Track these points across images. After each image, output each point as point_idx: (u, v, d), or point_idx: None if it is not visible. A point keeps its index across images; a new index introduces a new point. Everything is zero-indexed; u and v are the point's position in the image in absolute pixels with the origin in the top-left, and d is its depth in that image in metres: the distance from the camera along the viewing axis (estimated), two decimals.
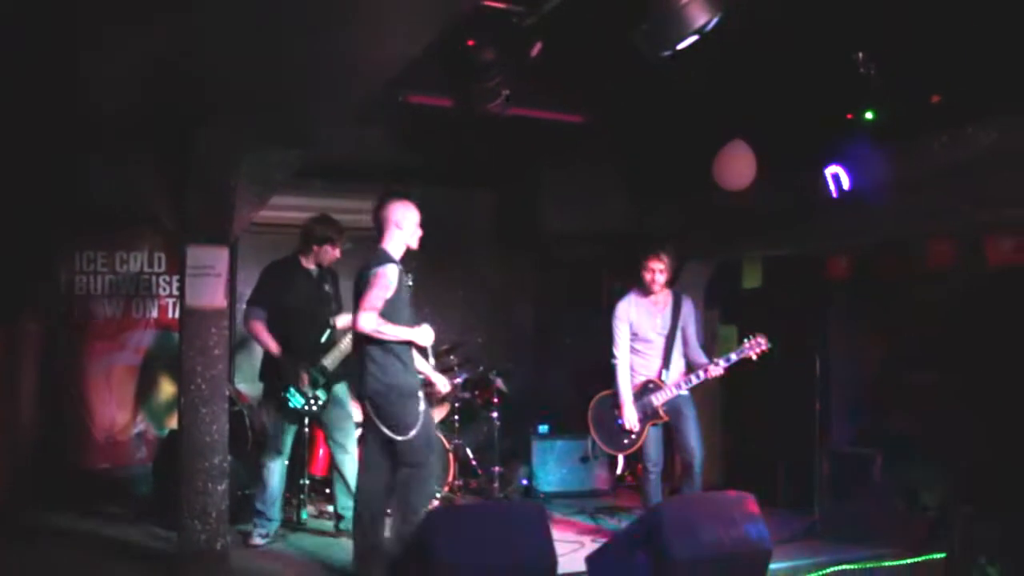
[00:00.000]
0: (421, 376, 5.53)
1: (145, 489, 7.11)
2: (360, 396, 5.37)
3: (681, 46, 4.40)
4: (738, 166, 6.36)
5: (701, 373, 6.22)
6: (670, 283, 6.49)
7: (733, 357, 6.19)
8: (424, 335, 5.35)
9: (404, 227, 5.40)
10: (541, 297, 8.90)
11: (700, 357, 6.38)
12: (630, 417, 6.24)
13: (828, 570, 5.60)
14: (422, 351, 5.55)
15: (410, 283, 5.51)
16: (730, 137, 6.41)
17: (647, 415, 6.27)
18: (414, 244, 5.51)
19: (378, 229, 5.44)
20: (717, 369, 6.19)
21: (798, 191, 6.42)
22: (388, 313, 5.16)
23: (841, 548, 6.01)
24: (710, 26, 4.29)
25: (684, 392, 6.28)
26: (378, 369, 5.19)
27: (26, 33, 4.40)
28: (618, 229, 8.09)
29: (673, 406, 6.26)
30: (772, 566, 5.25)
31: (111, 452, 7.74)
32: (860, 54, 5.59)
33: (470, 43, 4.95)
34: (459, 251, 8.83)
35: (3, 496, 6.30)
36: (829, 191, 6.14)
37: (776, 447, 7.59)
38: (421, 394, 5.34)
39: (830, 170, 6.11)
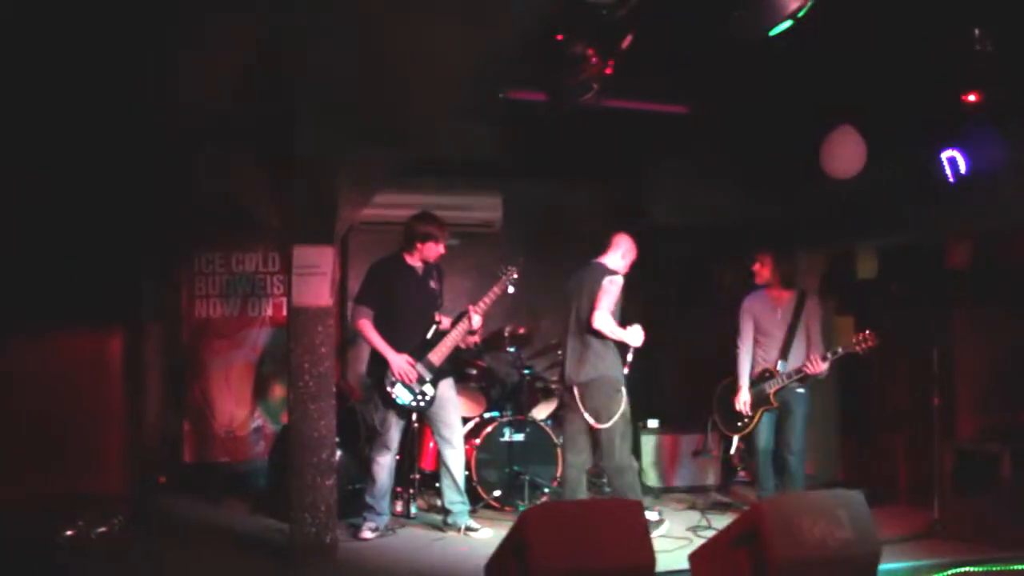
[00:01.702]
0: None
1: (262, 482, 7.35)
2: (569, 382, 6.15)
3: (774, 32, 4.28)
4: (847, 153, 6.14)
5: (803, 369, 6.44)
6: (787, 278, 6.73)
7: (839, 351, 6.40)
8: (635, 335, 6.04)
9: (624, 257, 6.33)
10: (652, 291, 8.80)
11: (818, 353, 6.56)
12: (742, 400, 6.67)
13: (949, 572, 5.35)
14: (625, 348, 6.13)
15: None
16: (838, 123, 6.19)
17: (760, 401, 6.63)
18: (621, 274, 6.24)
19: (604, 247, 6.37)
20: (816, 366, 6.39)
21: (912, 177, 6.16)
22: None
23: (963, 548, 5.75)
24: (803, 10, 4.15)
25: (800, 389, 6.53)
26: (598, 359, 6.01)
27: (133, 37, 4.58)
28: (728, 221, 7.93)
29: (783, 399, 6.55)
30: (890, 565, 5.10)
31: (230, 446, 8.03)
32: (976, 30, 5.33)
33: (559, 37, 4.92)
34: (571, 245, 8.79)
35: (130, 488, 6.59)
36: (945, 176, 5.88)
37: (896, 442, 7.32)
38: (624, 389, 6.02)
39: (946, 154, 5.85)
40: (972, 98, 5.61)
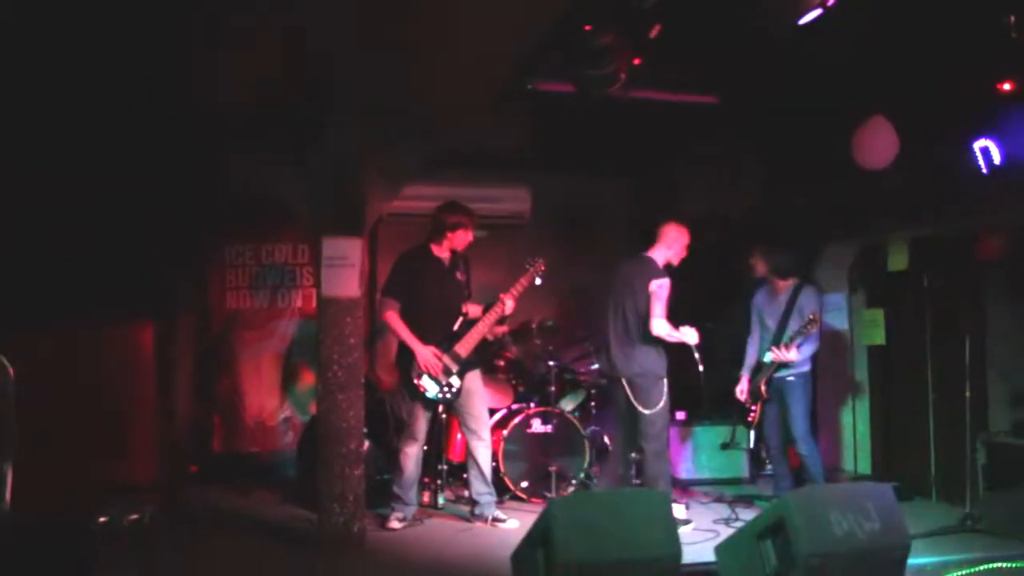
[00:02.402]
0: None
1: (291, 472, 7.41)
2: (617, 373, 6.46)
3: (804, 21, 4.23)
4: (879, 144, 6.07)
5: (773, 356, 6.59)
6: (778, 269, 6.83)
7: (792, 336, 6.54)
8: (690, 335, 6.26)
9: (671, 247, 6.50)
10: (678, 282, 8.78)
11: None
12: (738, 389, 6.91)
13: (980, 568, 5.29)
14: (687, 347, 6.35)
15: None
16: (870, 113, 6.12)
17: (756, 394, 6.78)
18: (675, 263, 6.52)
19: (654, 239, 6.52)
20: (785, 353, 6.51)
21: (945, 168, 6.08)
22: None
23: (996, 544, 5.69)
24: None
25: (791, 378, 6.62)
26: (644, 356, 6.31)
27: (163, 33, 4.62)
28: (756, 213, 7.87)
29: (776, 391, 6.69)
30: (920, 560, 5.05)
31: (260, 437, 8.10)
32: (1011, 17, 5.24)
33: (587, 28, 4.90)
34: (596, 237, 8.80)
35: (161, 477, 6.66)
36: (979, 166, 5.80)
37: (927, 436, 7.24)
38: (665, 381, 6.32)
39: (979, 144, 5.77)
40: (1007, 87, 5.54)
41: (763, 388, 6.69)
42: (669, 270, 6.51)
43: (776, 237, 7.14)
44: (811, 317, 6.42)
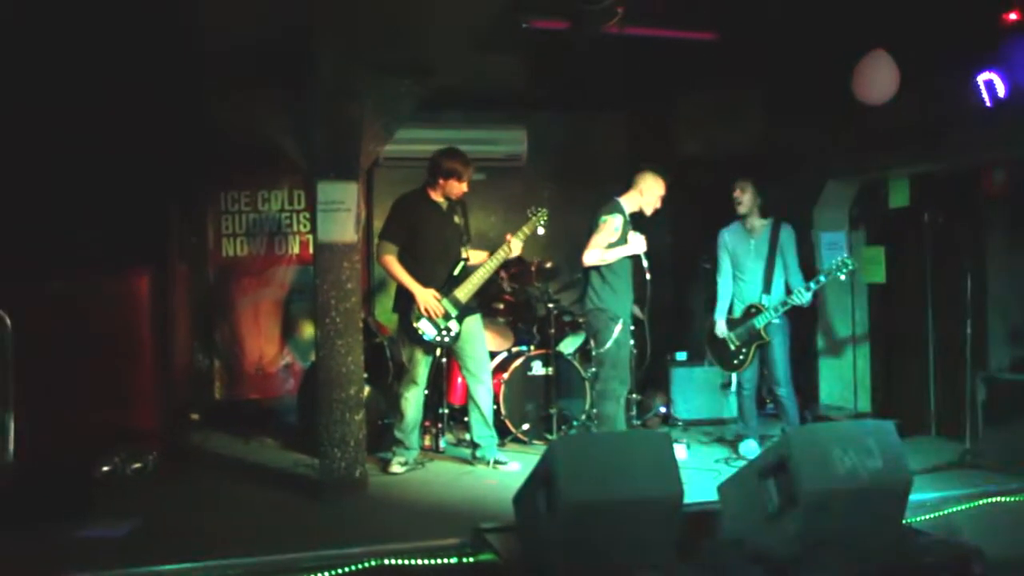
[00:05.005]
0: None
1: (292, 419, 7.43)
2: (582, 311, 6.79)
3: None
4: (879, 78, 5.98)
5: (789, 300, 6.45)
6: (764, 207, 6.71)
7: (821, 279, 6.40)
8: (637, 244, 6.34)
9: (644, 195, 6.49)
10: (677, 222, 8.71)
11: (798, 283, 6.54)
12: (719, 332, 6.74)
13: (979, 502, 5.33)
14: (636, 258, 6.42)
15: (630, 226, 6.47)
16: (870, 47, 6.02)
17: (752, 337, 6.59)
18: (647, 212, 6.53)
19: (627, 185, 6.56)
20: (802, 297, 6.40)
21: (947, 102, 5.99)
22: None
23: (993, 479, 5.72)
24: None
25: (777, 320, 6.52)
26: (594, 293, 6.39)
27: None
28: (754, 151, 7.79)
29: (769, 331, 6.55)
30: (919, 496, 5.07)
31: (260, 384, 8.13)
32: None
33: None
34: (593, 176, 8.71)
35: (163, 425, 6.66)
36: (982, 100, 5.70)
37: (927, 372, 7.24)
38: (622, 322, 6.30)
39: (983, 77, 5.67)
40: (1012, 17, 5.43)
41: (764, 332, 6.50)
42: (642, 218, 6.54)
43: (773, 175, 7.05)
44: (845, 260, 6.27)
